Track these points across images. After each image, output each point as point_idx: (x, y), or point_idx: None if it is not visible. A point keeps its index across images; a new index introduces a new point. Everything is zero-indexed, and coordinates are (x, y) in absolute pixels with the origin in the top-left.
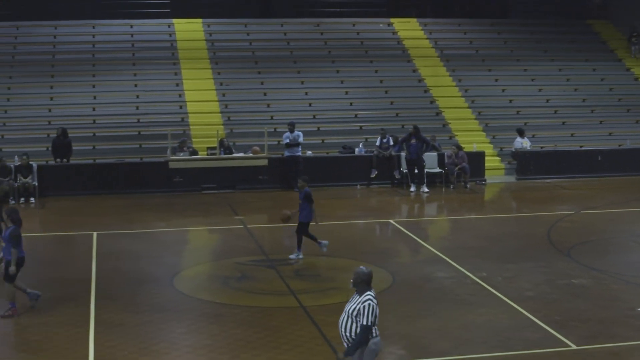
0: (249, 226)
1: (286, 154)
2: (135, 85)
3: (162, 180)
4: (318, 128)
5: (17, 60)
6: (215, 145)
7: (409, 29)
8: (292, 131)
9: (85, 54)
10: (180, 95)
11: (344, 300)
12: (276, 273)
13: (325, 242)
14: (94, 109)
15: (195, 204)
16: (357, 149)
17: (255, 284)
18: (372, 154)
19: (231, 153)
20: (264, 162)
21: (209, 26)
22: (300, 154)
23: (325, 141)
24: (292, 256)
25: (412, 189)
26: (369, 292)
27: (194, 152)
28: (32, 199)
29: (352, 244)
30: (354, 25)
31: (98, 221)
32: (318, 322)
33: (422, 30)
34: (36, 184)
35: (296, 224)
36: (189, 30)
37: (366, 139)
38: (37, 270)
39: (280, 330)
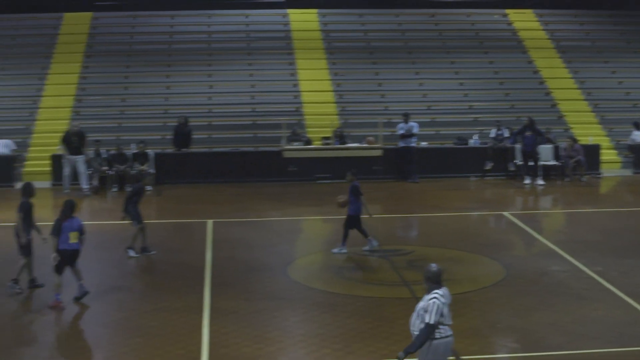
0: (363, 216)
1: (400, 144)
2: (251, 75)
3: (276, 169)
4: (432, 119)
5: (134, 49)
6: (329, 135)
7: (524, 20)
8: (406, 122)
9: (201, 44)
10: (295, 85)
11: (456, 292)
12: (389, 263)
13: (375, 242)
14: (209, 98)
15: (309, 193)
16: (471, 141)
17: (369, 274)
18: (486, 146)
19: (345, 143)
20: (379, 153)
21: (324, 16)
22: (414, 144)
23: (439, 132)
24: (334, 250)
25: (527, 181)
26: (436, 291)
27: (309, 142)
28: (149, 187)
29: (465, 236)
30: (468, 16)
31: (213, 209)
32: None
33: (537, 21)
34: (153, 172)
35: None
36: (304, 20)
37: (481, 130)
38: (155, 257)
39: (392, 321)
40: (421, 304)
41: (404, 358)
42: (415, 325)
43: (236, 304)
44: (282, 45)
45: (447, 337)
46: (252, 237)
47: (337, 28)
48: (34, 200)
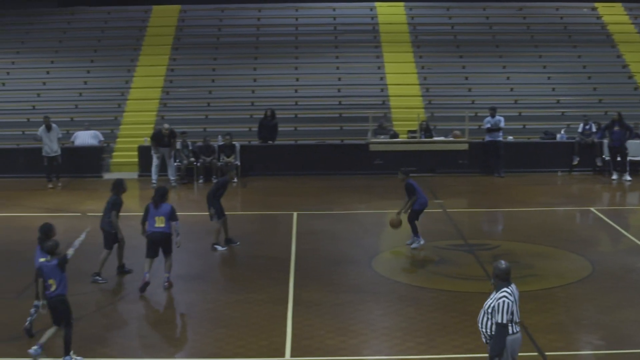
0: (448, 210)
1: (487, 138)
2: (337, 68)
3: (362, 162)
4: (519, 113)
5: (221, 42)
6: (415, 129)
7: (613, 14)
8: (493, 116)
9: (288, 37)
10: (381, 78)
11: (542, 287)
12: (474, 258)
13: (421, 241)
14: (296, 91)
15: (395, 187)
16: (558, 135)
17: (453, 268)
18: (574, 141)
19: (432, 137)
20: (465, 147)
21: (410, 9)
22: (501, 139)
23: (526, 126)
24: (411, 243)
25: (614, 176)
26: (504, 289)
27: (395, 135)
28: (235, 179)
29: (551, 231)
30: (557, 9)
31: (298, 201)
32: None
33: (627, 15)
34: (238, 164)
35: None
36: (391, 13)
37: (568, 125)
38: (240, 248)
39: (476, 316)
40: (490, 302)
41: None
42: (484, 324)
43: (320, 296)
44: (369, 38)
45: (515, 334)
46: (337, 229)
47: (424, 21)
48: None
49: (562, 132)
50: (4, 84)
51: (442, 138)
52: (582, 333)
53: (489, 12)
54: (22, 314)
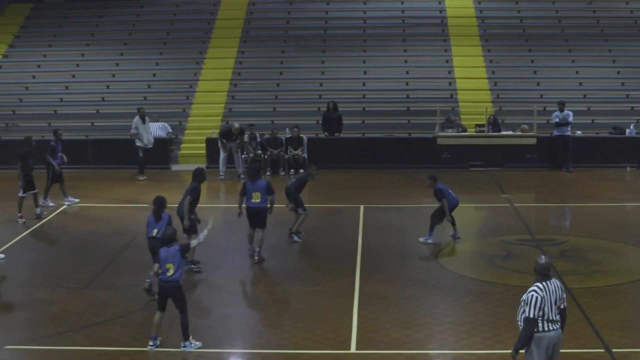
0: (515, 205)
1: (555, 133)
2: (405, 61)
3: (429, 156)
4: (588, 108)
5: (289, 35)
6: (483, 123)
7: None
8: (561, 110)
9: (356, 30)
10: (449, 72)
11: (609, 284)
12: (541, 253)
13: (429, 240)
14: (364, 84)
15: (462, 181)
16: (627, 130)
17: (521, 263)
18: None
19: (499, 131)
20: (533, 141)
21: (479, 3)
22: (569, 133)
23: (595, 121)
24: (424, 240)
25: None
26: (537, 283)
27: (463, 129)
28: (302, 171)
29: (620, 227)
30: (627, 3)
31: (365, 194)
32: (582, 305)
33: None
34: (306, 156)
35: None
36: (459, 7)
37: (637, 120)
38: (307, 241)
39: None
40: (523, 296)
41: (516, 355)
42: (519, 316)
43: (386, 289)
44: (438, 31)
45: (549, 330)
46: (403, 223)
47: (492, 15)
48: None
49: (632, 126)
50: (73, 76)
51: (510, 132)
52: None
53: (558, 5)
54: (90, 304)
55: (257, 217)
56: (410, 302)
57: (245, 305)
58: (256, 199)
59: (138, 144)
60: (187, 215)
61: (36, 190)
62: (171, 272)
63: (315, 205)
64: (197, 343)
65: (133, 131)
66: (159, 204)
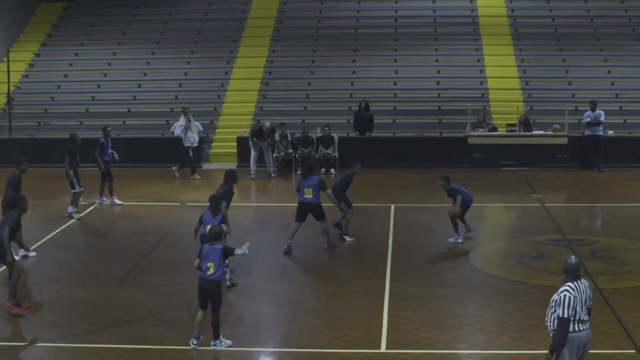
0: (546, 205)
1: (587, 133)
2: (437, 61)
3: (461, 155)
4: (620, 107)
5: (320, 34)
6: (515, 122)
7: None
8: (593, 110)
9: (387, 29)
10: (481, 71)
11: None
12: (573, 253)
13: (459, 239)
14: (395, 83)
15: (494, 181)
16: None
17: (552, 264)
18: None
19: (531, 130)
20: (564, 141)
21: (511, 2)
22: (601, 133)
23: (627, 121)
24: (454, 240)
25: None
26: (568, 283)
27: (494, 129)
28: (332, 170)
29: None
30: None
31: (396, 194)
32: (613, 306)
33: None
34: (337, 155)
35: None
36: (491, 6)
37: None
38: (336, 240)
39: None
40: (554, 297)
41: (552, 357)
42: (549, 317)
43: (416, 289)
44: (469, 30)
45: (580, 331)
46: (434, 222)
47: (524, 14)
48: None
49: None
50: (105, 75)
51: (541, 132)
52: None
53: (590, 4)
54: (121, 302)
55: (308, 212)
56: (441, 301)
57: (275, 304)
58: (308, 194)
59: (186, 144)
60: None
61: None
62: (211, 270)
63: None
64: (228, 342)
65: (182, 129)
66: (216, 201)
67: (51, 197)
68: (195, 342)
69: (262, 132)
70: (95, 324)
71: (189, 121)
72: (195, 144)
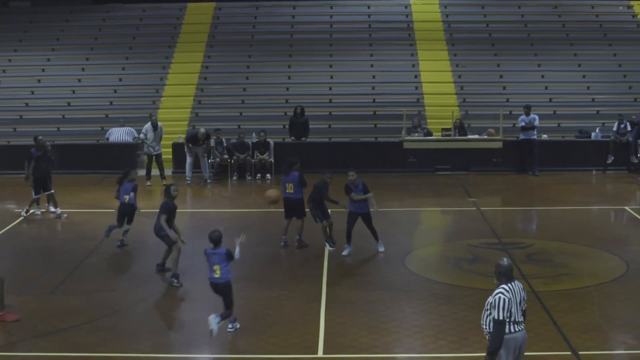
0: (482, 208)
1: (521, 137)
2: (372, 66)
3: (396, 160)
4: (554, 111)
5: (256, 39)
6: (450, 127)
7: None
8: (527, 114)
9: (322, 34)
10: (416, 76)
11: (575, 286)
12: (508, 256)
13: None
14: (330, 89)
15: (429, 185)
16: (593, 134)
17: (487, 267)
18: (609, 139)
19: (466, 134)
20: (499, 145)
21: (445, 7)
22: (535, 137)
23: (561, 125)
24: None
25: None
26: (502, 285)
27: (429, 133)
28: (269, 175)
29: (585, 230)
30: (592, 7)
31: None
32: (549, 308)
33: None
34: (273, 161)
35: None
36: (425, 11)
37: (603, 123)
38: (272, 246)
39: None
40: (489, 300)
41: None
42: (484, 320)
43: (353, 293)
44: (404, 36)
45: (516, 332)
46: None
47: (459, 19)
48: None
49: (597, 130)
50: (39, 81)
51: (476, 136)
52: (616, 332)
53: (524, 10)
54: (56, 310)
55: (292, 207)
56: (377, 305)
57: (212, 310)
58: (290, 189)
59: (145, 149)
60: (170, 231)
61: (52, 191)
62: (218, 273)
63: (280, 211)
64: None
65: (142, 136)
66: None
67: None
68: (230, 326)
69: (197, 138)
70: (30, 332)
71: (155, 129)
72: (155, 153)
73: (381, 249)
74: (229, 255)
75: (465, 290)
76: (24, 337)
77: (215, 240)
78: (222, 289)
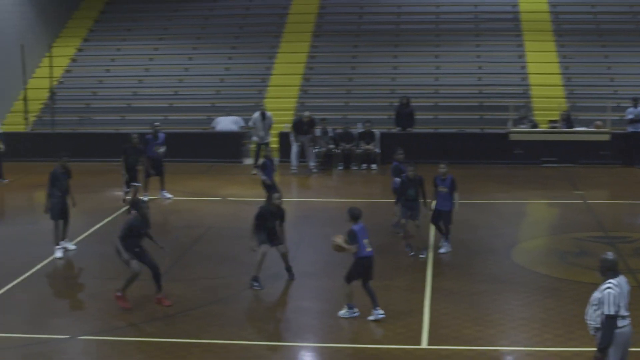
0: (588, 201)
1: (629, 129)
2: (478, 57)
3: (502, 151)
4: None
5: (362, 29)
6: (556, 119)
7: None
8: (636, 106)
9: (428, 25)
10: (522, 67)
11: None
12: (615, 250)
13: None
14: (436, 79)
15: (535, 177)
16: None
17: (594, 261)
18: None
19: (572, 127)
20: (606, 137)
21: None
22: None
23: None
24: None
25: None
26: (610, 280)
27: (535, 125)
28: (374, 166)
29: None
30: None
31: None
32: None
33: None
34: (378, 151)
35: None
36: (532, 1)
37: None
38: (379, 236)
39: None
40: (596, 295)
41: (603, 357)
42: (589, 315)
43: (458, 284)
44: (511, 26)
45: (624, 327)
46: (476, 219)
47: (566, 10)
48: None
49: None
50: (147, 70)
51: (583, 128)
52: None
53: (632, 0)
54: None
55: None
56: (483, 297)
57: (318, 299)
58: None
59: (254, 138)
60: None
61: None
62: (369, 247)
63: (387, 200)
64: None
65: (250, 124)
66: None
67: (93, 191)
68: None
69: (302, 123)
70: (138, 317)
71: (263, 119)
72: (262, 142)
73: (443, 250)
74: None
75: (571, 283)
76: (132, 322)
77: (358, 216)
78: (372, 263)
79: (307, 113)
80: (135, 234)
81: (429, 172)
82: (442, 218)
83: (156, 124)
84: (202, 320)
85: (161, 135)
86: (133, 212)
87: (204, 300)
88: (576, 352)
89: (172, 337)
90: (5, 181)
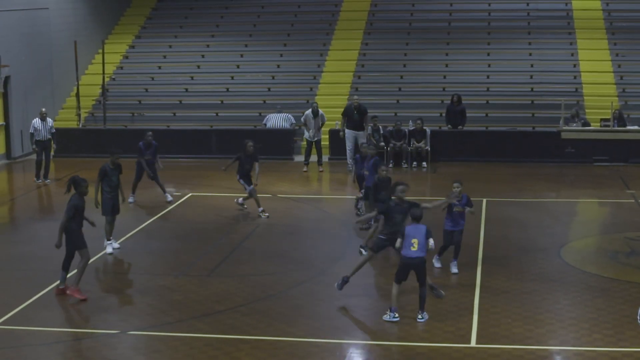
0: None
1: None
2: (530, 55)
3: (553, 150)
4: None
5: (413, 27)
6: (608, 117)
7: None
8: None
9: (480, 23)
10: (574, 66)
11: None
12: None
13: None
14: (487, 77)
15: (586, 176)
16: None
17: None
18: None
19: (625, 125)
20: None
21: None
22: None
23: None
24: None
25: None
26: None
27: (587, 123)
28: (424, 163)
29: None
30: None
31: (488, 188)
32: None
33: None
34: (429, 149)
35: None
36: (585, 0)
37: None
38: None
39: None
40: None
41: None
42: None
43: (508, 283)
44: (563, 25)
45: None
46: (526, 217)
47: (619, 7)
48: None
49: None
50: (199, 67)
51: (636, 127)
52: None
53: None
54: (212, 292)
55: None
56: (532, 296)
57: (366, 296)
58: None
59: (305, 135)
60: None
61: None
62: (415, 247)
63: (437, 198)
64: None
65: (302, 121)
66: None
67: (142, 187)
68: (390, 315)
69: (351, 109)
70: (187, 313)
71: (315, 117)
72: (313, 140)
73: (454, 270)
74: (429, 233)
75: (622, 283)
76: (181, 317)
77: (418, 217)
78: (418, 265)
79: (355, 97)
80: (80, 213)
81: (480, 170)
82: (454, 239)
83: (149, 133)
84: (251, 317)
85: (154, 144)
86: (73, 190)
87: (253, 297)
88: (626, 353)
89: (220, 333)
90: (48, 181)
